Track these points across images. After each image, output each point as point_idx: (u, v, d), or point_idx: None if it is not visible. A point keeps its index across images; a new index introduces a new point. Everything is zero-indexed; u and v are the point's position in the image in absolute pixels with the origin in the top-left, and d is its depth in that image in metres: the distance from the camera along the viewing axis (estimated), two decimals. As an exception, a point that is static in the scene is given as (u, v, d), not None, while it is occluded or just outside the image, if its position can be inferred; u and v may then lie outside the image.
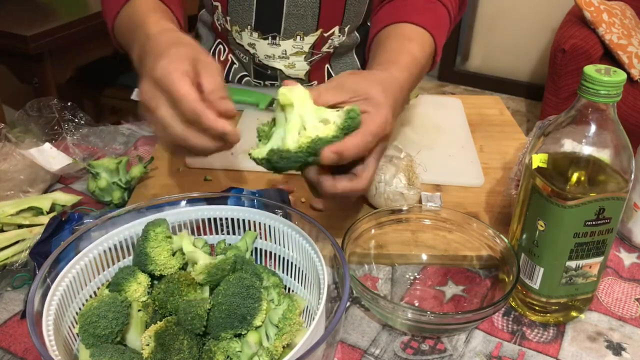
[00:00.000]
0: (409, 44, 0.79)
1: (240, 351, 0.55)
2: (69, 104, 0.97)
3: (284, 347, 0.56)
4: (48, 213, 0.78)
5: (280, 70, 1.10)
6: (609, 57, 2.49)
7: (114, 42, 0.89)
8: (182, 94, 0.58)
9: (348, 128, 0.59)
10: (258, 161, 0.61)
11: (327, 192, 0.62)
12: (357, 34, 1.09)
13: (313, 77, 1.12)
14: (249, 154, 0.61)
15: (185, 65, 0.60)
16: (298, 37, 1.04)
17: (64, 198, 0.81)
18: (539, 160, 0.62)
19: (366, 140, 0.60)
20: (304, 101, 0.60)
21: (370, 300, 0.63)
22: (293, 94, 0.59)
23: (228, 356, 0.55)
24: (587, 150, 0.59)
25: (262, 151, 0.60)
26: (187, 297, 0.58)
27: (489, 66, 3.61)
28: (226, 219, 0.68)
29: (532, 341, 0.66)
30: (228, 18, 1.06)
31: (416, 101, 1.12)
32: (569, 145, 0.60)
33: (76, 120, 0.97)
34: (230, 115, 0.59)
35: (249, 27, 1.04)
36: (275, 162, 0.59)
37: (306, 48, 1.06)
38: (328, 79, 1.13)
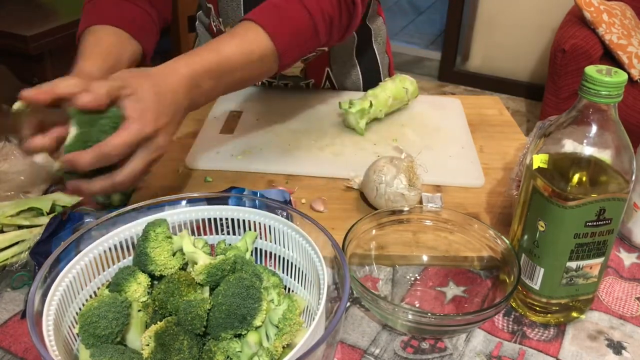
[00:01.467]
0: (221, 41, 0.78)
1: (240, 351, 0.55)
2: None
3: (284, 348, 0.56)
4: (48, 214, 0.77)
5: None
6: (609, 57, 2.49)
7: None
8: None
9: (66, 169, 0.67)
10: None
11: (87, 191, 0.69)
12: (355, 34, 1.08)
13: (310, 75, 1.11)
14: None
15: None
16: None
17: (64, 199, 0.81)
18: (539, 160, 0.62)
19: (102, 152, 0.65)
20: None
21: (370, 301, 0.63)
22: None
23: (228, 356, 0.55)
24: (588, 150, 0.59)
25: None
26: (187, 298, 0.58)
27: (489, 66, 3.61)
28: (226, 219, 0.68)
29: (533, 340, 0.66)
30: (221, 19, 1.06)
31: (415, 101, 1.12)
32: (570, 146, 0.60)
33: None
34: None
35: None
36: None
37: None
38: (325, 80, 1.13)
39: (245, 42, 0.78)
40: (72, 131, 0.67)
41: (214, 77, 0.75)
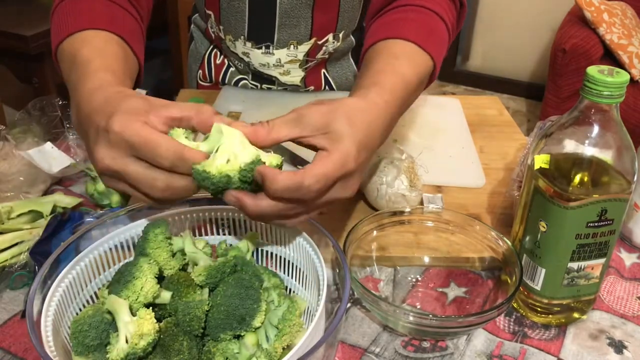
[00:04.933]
0: (396, 62, 0.70)
1: (238, 352, 0.55)
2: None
3: (283, 349, 0.56)
4: (48, 216, 0.77)
5: (276, 77, 1.10)
6: (609, 57, 2.49)
7: (56, 67, 0.72)
8: (154, 140, 0.51)
9: (245, 178, 0.52)
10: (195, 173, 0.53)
11: (249, 212, 0.54)
12: (353, 38, 1.08)
13: (309, 82, 1.11)
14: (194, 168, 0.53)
15: (142, 115, 0.53)
16: (292, 46, 1.03)
17: (65, 200, 0.81)
18: (541, 161, 0.62)
19: (302, 183, 0.52)
20: (236, 136, 0.53)
21: (371, 302, 0.63)
22: (228, 130, 0.53)
23: (227, 357, 0.55)
24: (589, 151, 0.59)
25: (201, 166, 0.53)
26: (186, 299, 0.58)
27: (489, 66, 3.61)
28: (227, 219, 0.68)
29: (534, 339, 0.66)
30: (221, 27, 1.05)
31: (415, 102, 1.12)
32: (571, 146, 0.60)
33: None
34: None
35: (242, 37, 1.03)
36: (200, 180, 0.52)
37: (300, 56, 1.05)
38: (325, 84, 1.13)
39: (414, 64, 0.71)
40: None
41: (399, 104, 0.67)
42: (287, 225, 0.57)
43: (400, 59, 0.71)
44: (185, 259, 0.63)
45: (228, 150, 0.52)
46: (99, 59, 0.63)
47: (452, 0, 0.84)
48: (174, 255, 0.63)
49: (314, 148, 0.57)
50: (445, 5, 0.81)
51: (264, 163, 0.53)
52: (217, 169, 0.51)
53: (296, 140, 0.57)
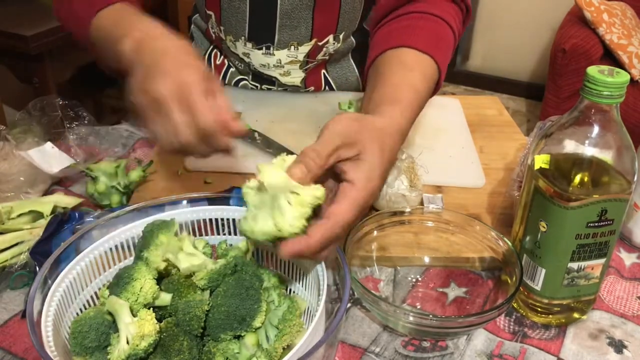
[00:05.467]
0: (410, 76, 0.72)
1: (239, 353, 0.55)
2: (73, 102, 0.96)
3: (284, 349, 0.56)
4: (48, 216, 0.77)
5: (276, 77, 1.09)
6: (609, 57, 2.49)
7: (88, 43, 0.82)
8: (204, 111, 0.58)
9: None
10: (248, 234, 0.55)
11: (305, 253, 0.55)
12: (353, 39, 1.08)
13: (309, 83, 1.11)
14: (240, 225, 0.56)
15: (203, 82, 0.60)
16: (292, 47, 1.03)
17: (65, 200, 0.80)
18: (541, 161, 0.62)
19: (333, 233, 0.54)
20: (283, 182, 0.54)
21: (371, 303, 0.63)
22: (273, 178, 0.54)
23: (227, 358, 0.55)
24: (589, 151, 0.59)
25: (254, 230, 0.54)
26: (186, 299, 0.58)
27: (489, 66, 3.61)
28: (227, 219, 0.68)
29: (534, 339, 0.66)
30: (222, 27, 1.05)
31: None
32: (571, 147, 0.60)
33: (79, 118, 0.96)
34: (240, 134, 0.61)
35: (242, 37, 1.03)
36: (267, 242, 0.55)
37: (301, 57, 1.05)
38: (325, 84, 1.13)
39: (426, 76, 0.73)
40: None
41: (414, 118, 0.69)
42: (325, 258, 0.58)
43: (414, 72, 0.72)
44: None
45: (270, 211, 0.54)
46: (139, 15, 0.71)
47: (458, 5, 0.84)
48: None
49: (338, 173, 0.58)
50: (452, 11, 0.81)
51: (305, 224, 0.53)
52: (262, 233, 0.54)
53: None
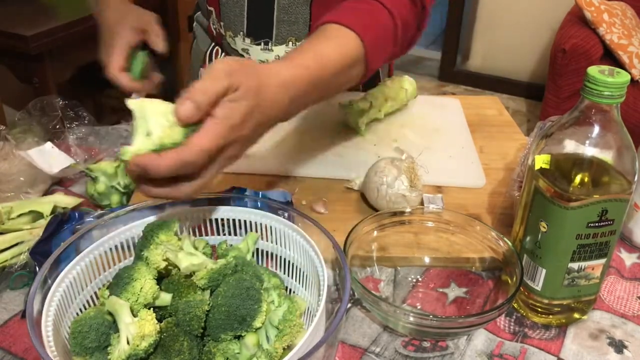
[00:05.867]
0: (322, 44, 0.71)
1: (239, 353, 0.55)
2: (73, 102, 0.96)
3: (284, 349, 0.56)
4: (48, 216, 0.77)
5: None
6: (609, 57, 2.49)
7: None
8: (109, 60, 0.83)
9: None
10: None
11: (145, 193, 0.58)
12: None
13: None
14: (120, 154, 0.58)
15: (133, 25, 0.85)
16: (290, 43, 1.03)
17: (65, 200, 0.80)
18: (541, 161, 0.62)
19: (186, 160, 0.54)
20: (150, 107, 0.56)
21: (371, 303, 0.63)
22: (140, 103, 0.57)
23: (227, 358, 0.55)
24: (590, 151, 0.59)
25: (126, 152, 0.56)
26: (186, 299, 0.58)
27: (489, 66, 3.60)
28: (228, 219, 0.68)
29: (534, 339, 0.66)
30: (222, 23, 1.05)
31: (415, 102, 1.12)
32: (571, 147, 0.60)
33: (79, 118, 0.96)
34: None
35: (241, 32, 1.03)
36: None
37: None
38: None
39: (341, 46, 0.72)
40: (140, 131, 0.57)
41: (313, 83, 0.67)
42: (182, 195, 0.59)
43: (329, 41, 0.72)
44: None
45: (144, 130, 0.56)
46: None
47: (413, 2, 0.83)
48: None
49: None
50: (398, 3, 0.81)
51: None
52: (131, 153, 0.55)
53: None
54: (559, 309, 0.66)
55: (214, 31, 1.11)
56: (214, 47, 1.16)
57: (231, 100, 0.57)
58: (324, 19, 0.76)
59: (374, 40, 0.75)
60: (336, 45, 0.72)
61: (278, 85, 0.62)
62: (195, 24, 1.20)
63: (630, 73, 2.37)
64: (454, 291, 0.72)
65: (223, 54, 1.15)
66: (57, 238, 0.70)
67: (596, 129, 0.58)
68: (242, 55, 1.08)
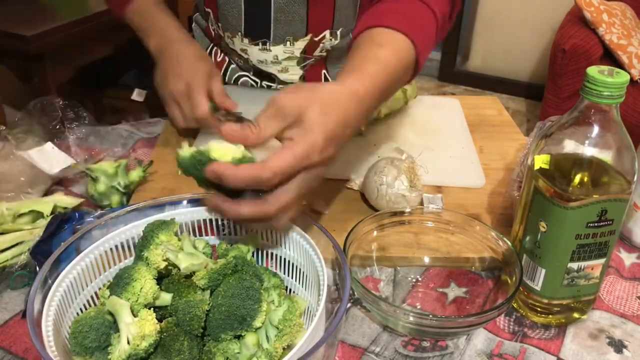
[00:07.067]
0: (378, 50, 0.71)
1: (239, 353, 0.55)
2: (73, 102, 0.96)
3: (284, 349, 0.56)
4: (48, 216, 0.77)
5: (274, 74, 1.09)
6: (609, 57, 2.49)
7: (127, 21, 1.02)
8: (200, 105, 0.88)
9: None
10: (180, 161, 0.59)
11: (229, 215, 0.59)
12: (352, 36, 1.08)
13: (308, 81, 1.11)
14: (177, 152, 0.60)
15: (205, 82, 0.90)
16: (288, 42, 1.03)
17: (65, 200, 0.80)
18: (541, 161, 0.62)
19: (261, 176, 0.55)
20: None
21: (371, 303, 0.63)
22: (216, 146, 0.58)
23: (227, 358, 0.55)
24: (589, 151, 0.59)
25: (187, 150, 0.59)
26: (186, 299, 0.58)
27: (489, 66, 3.61)
28: (227, 219, 0.68)
29: (534, 338, 0.66)
30: (220, 24, 1.06)
31: (414, 102, 1.12)
32: (571, 147, 0.60)
33: (79, 118, 0.96)
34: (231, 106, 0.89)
35: (239, 33, 1.03)
36: (193, 164, 0.58)
37: (297, 53, 1.05)
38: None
39: (397, 51, 0.73)
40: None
41: (381, 90, 0.68)
42: (267, 226, 0.61)
43: (384, 48, 0.72)
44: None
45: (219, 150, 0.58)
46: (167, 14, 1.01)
47: None
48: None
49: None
50: None
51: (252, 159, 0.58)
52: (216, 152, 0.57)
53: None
54: (559, 309, 0.66)
55: (213, 32, 1.11)
56: (212, 48, 1.16)
57: (301, 129, 0.58)
58: (368, 22, 0.77)
59: (423, 41, 0.76)
60: (391, 50, 0.72)
61: (357, 103, 0.63)
62: (194, 24, 1.20)
63: (629, 73, 2.38)
64: (454, 291, 0.72)
65: (222, 54, 1.15)
66: (58, 238, 0.70)
67: (596, 129, 0.58)
68: (241, 56, 1.08)
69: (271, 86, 1.14)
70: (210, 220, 0.68)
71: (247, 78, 1.15)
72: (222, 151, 0.57)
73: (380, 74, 0.68)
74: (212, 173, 0.56)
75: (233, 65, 1.15)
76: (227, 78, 1.16)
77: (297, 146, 0.57)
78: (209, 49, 1.16)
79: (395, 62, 0.71)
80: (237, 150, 0.57)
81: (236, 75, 1.15)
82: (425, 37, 0.78)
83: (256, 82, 1.14)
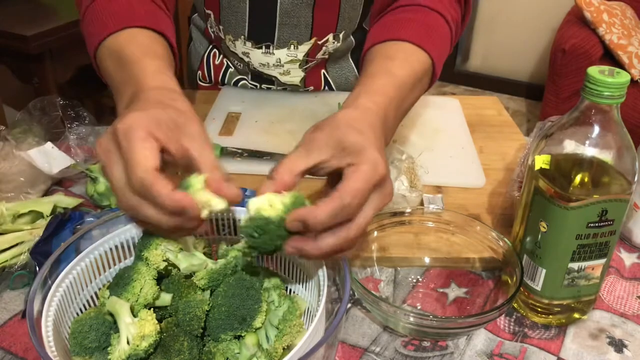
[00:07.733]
0: (389, 64, 0.71)
1: (239, 353, 0.55)
2: (73, 102, 0.96)
3: (284, 349, 0.56)
4: (48, 216, 0.77)
5: (275, 77, 1.09)
6: (609, 57, 2.49)
7: (95, 68, 0.76)
8: (136, 161, 0.49)
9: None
10: (243, 229, 0.55)
11: (313, 255, 0.54)
12: (353, 38, 1.08)
13: (308, 83, 1.11)
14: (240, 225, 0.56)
15: (159, 128, 0.52)
16: (292, 46, 1.03)
17: (65, 201, 0.80)
18: (541, 161, 0.62)
19: (342, 203, 0.52)
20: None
21: (371, 303, 0.63)
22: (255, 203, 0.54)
23: (227, 358, 0.55)
24: (590, 151, 0.59)
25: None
26: (186, 299, 0.58)
27: (489, 66, 3.61)
28: (228, 219, 0.68)
29: (534, 338, 0.66)
30: (221, 27, 1.05)
31: (415, 102, 1.12)
32: (571, 147, 0.60)
33: (79, 118, 0.96)
34: (236, 201, 0.54)
35: (242, 36, 1.03)
36: (254, 230, 0.53)
37: (300, 56, 1.05)
38: (324, 84, 1.13)
39: (411, 64, 0.72)
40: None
41: (396, 105, 0.67)
42: (349, 253, 0.57)
43: (395, 60, 0.71)
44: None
45: (260, 203, 0.53)
46: (153, 60, 0.65)
47: (458, 1, 0.84)
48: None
49: (337, 170, 0.57)
50: (446, 2, 0.81)
51: (305, 203, 0.54)
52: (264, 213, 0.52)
53: (313, 171, 0.57)
54: (559, 309, 0.66)
55: (212, 34, 1.10)
56: (211, 50, 1.16)
57: (357, 150, 0.56)
58: (381, 36, 0.76)
59: (436, 48, 0.76)
60: (402, 62, 0.71)
61: (375, 117, 0.62)
62: (191, 25, 1.19)
63: (630, 73, 2.37)
64: (454, 291, 0.72)
65: (221, 56, 1.15)
66: (57, 238, 0.70)
67: (596, 129, 0.58)
68: (241, 59, 1.08)
69: (270, 88, 1.14)
70: (210, 220, 0.68)
71: (245, 82, 1.14)
72: (266, 204, 0.53)
73: (390, 87, 0.67)
74: (295, 222, 0.51)
75: (231, 69, 1.14)
76: (226, 81, 1.16)
77: (362, 165, 0.54)
78: (207, 51, 1.16)
79: (406, 74, 0.70)
80: (275, 198, 0.53)
81: (235, 78, 1.15)
82: (439, 46, 0.77)
83: (255, 86, 1.14)
